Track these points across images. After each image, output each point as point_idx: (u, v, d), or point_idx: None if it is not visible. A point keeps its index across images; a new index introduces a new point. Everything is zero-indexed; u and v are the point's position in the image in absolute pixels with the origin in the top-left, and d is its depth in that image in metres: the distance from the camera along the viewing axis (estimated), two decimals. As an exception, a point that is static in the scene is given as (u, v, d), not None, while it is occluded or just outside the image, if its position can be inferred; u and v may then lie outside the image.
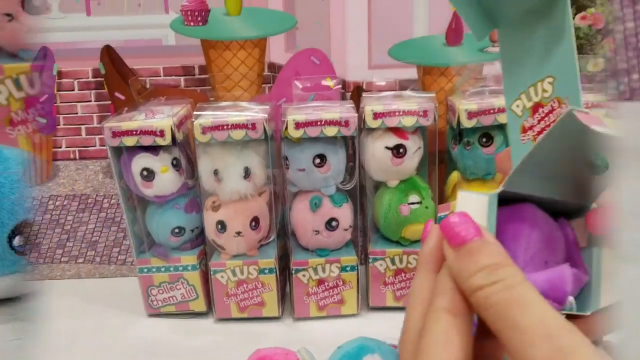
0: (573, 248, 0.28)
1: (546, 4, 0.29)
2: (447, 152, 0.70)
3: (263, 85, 0.75)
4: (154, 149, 0.64)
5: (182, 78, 0.75)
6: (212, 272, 0.66)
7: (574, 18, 0.73)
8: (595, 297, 0.27)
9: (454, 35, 0.74)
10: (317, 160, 0.63)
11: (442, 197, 0.70)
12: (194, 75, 0.75)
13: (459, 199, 0.27)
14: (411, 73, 0.76)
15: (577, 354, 0.22)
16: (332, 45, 0.74)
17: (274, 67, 0.75)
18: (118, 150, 0.65)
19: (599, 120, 0.23)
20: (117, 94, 0.75)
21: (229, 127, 0.61)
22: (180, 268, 0.68)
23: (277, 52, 0.75)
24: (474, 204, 0.27)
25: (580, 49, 0.74)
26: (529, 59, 0.32)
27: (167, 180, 0.64)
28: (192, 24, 0.73)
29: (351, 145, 0.65)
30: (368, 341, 0.51)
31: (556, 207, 0.29)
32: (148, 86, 0.75)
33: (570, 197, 0.28)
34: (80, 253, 0.79)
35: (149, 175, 0.64)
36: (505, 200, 0.28)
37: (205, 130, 0.61)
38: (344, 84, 0.76)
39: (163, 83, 0.75)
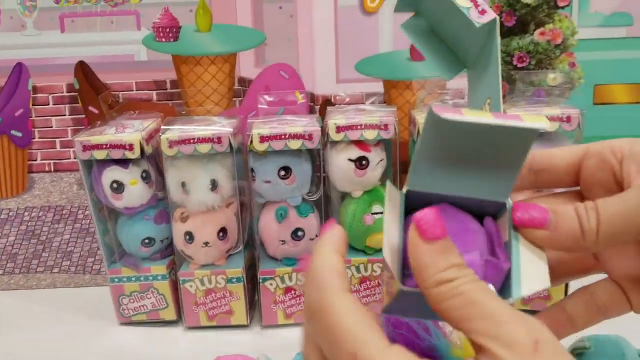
0: (495, 242, 0.31)
1: (485, 43, 0.36)
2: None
3: (234, 99, 0.77)
4: (123, 162, 0.66)
5: (154, 92, 0.77)
6: (181, 282, 0.68)
7: (532, 33, 0.75)
8: (516, 285, 0.29)
9: (417, 50, 0.77)
10: (282, 172, 0.65)
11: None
12: (166, 89, 0.77)
13: (387, 191, 0.30)
14: (378, 86, 0.78)
15: (546, 331, 0.25)
16: (300, 60, 0.77)
17: (244, 82, 0.77)
18: (89, 163, 0.67)
19: (456, 111, 0.26)
20: (90, 108, 0.77)
21: (195, 141, 0.63)
22: (151, 277, 0.69)
23: (247, 67, 0.77)
24: (397, 197, 0.30)
25: (540, 64, 0.76)
26: (481, 91, 0.37)
27: (136, 193, 0.66)
28: (163, 40, 0.75)
29: (318, 157, 0.67)
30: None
31: (485, 209, 0.31)
32: (121, 100, 0.77)
33: (487, 195, 0.30)
34: (56, 263, 0.81)
35: (118, 187, 0.66)
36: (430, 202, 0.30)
37: (172, 144, 0.63)
38: (313, 97, 0.78)
39: (135, 97, 0.77)
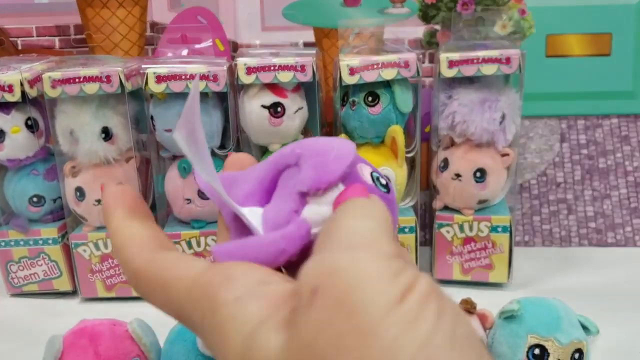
0: None
1: None
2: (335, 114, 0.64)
3: (146, 47, 0.70)
4: (5, 107, 0.58)
5: (56, 39, 0.69)
6: (73, 246, 0.60)
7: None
8: None
9: (351, -6, 0.69)
10: (185, 120, 0.57)
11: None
12: (70, 35, 0.69)
13: None
14: (309, 35, 0.71)
15: None
16: (220, 4, 0.69)
17: (157, 28, 0.69)
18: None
19: None
20: (-13, 56, 0.69)
21: (81, 80, 0.55)
22: (40, 242, 0.61)
23: (160, 10, 0.69)
24: None
25: (486, 11, 0.69)
26: None
27: (19, 142, 0.58)
28: (65, -22, 0.67)
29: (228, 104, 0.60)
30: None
31: None
32: (20, 48, 0.69)
33: None
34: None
35: (-2, 135, 0.58)
36: None
37: (55, 83, 0.55)
38: (236, 46, 0.70)
39: (36, 44, 0.69)
